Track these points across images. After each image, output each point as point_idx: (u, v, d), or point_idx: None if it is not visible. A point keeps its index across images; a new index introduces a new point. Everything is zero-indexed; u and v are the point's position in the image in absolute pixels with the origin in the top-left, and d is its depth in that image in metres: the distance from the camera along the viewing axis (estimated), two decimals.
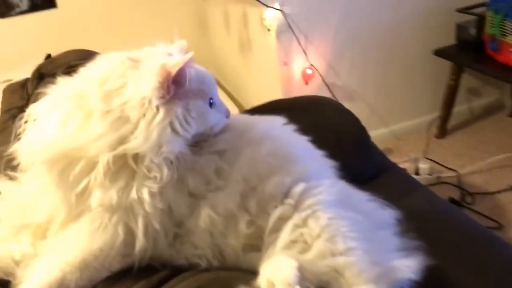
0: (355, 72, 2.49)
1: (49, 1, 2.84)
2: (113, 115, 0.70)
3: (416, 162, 2.36)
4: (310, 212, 0.73)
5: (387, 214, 0.84)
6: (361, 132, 1.38)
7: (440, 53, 2.49)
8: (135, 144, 0.68)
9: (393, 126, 2.67)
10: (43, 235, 0.80)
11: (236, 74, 2.96)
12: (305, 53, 2.27)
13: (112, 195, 0.69)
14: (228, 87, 3.15)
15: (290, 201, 0.76)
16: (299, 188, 0.77)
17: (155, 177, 0.70)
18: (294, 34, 2.22)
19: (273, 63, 2.32)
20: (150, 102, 0.70)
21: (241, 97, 3.01)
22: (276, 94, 2.34)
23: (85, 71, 0.79)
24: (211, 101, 0.81)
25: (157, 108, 0.70)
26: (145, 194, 0.70)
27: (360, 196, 0.87)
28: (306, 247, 0.72)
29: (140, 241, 0.72)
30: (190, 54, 0.75)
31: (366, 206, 0.84)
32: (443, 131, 2.67)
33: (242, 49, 2.67)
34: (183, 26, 3.04)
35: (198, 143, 0.79)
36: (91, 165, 0.70)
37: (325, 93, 2.31)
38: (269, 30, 2.20)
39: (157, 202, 0.70)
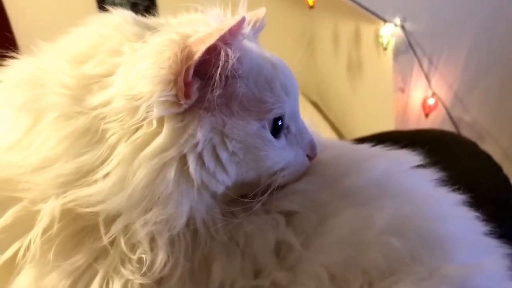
0: (488, 107, 2.09)
1: None
2: (79, 124, 0.37)
3: None
4: None
5: None
6: (504, 185, 1.06)
7: None
8: (98, 191, 0.36)
9: None
10: None
11: (341, 99, 2.68)
12: (427, 79, 1.94)
13: (54, 285, 0.37)
14: (330, 114, 2.87)
15: None
16: None
17: (141, 261, 0.37)
18: (416, 56, 1.89)
19: (387, 89, 2.02)
20: (147, 109, 0.37)
21: (344, 127, 2.72)
22: (387, 125, 2.03)
23: (60, 43, 0.44)
24: (280, 123, 0.46)
25: (160, 122, 0.37)
26: None
27: None
28: None
29: None
30: (240, 17, 0.38)
31: None
32: None
33: (350, 70, 2.39)
34: (287, 41, 2.86)
35: (242, 199, 0.44)
36: (28, 218, 0.37)
37: (449, 130, 1.93)
38: (385, 49, 1.91)
39: None
